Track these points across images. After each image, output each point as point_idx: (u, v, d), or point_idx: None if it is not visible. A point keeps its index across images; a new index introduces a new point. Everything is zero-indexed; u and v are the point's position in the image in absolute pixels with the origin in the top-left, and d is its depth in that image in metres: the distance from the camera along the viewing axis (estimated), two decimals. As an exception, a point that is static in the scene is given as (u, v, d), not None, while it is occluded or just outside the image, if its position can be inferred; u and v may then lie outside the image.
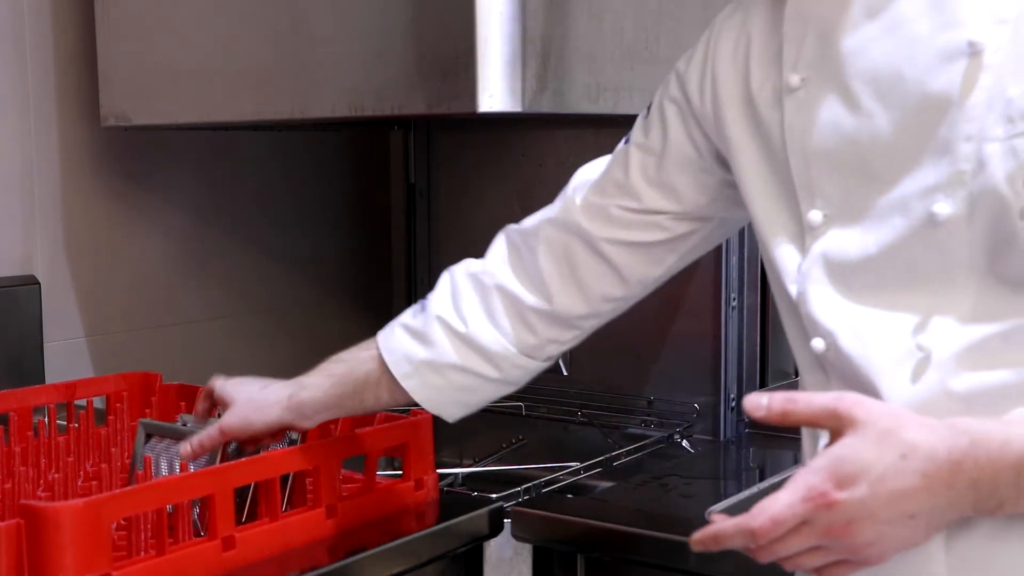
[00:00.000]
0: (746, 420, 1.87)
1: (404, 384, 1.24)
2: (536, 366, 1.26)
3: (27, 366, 1.79)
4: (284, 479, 1.30)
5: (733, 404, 1.91)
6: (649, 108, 1.19)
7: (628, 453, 1.74)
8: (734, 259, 1.89)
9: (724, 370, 1.90)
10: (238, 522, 1.24)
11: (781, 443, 1.80)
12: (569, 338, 1.25)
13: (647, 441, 1.78)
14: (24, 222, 1.81)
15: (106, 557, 1.10)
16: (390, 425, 1.42)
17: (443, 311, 1.24)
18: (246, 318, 2.07)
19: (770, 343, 1.92)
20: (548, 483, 1.59)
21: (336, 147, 2.22)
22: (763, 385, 1.91)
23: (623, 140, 1.20)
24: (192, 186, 1.99)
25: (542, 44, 1.45)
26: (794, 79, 1.00)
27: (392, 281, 2.30)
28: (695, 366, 1.84)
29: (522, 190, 2.13)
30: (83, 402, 1.58)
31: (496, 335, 1.23)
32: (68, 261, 1.86)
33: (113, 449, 1.49)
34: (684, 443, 1.84)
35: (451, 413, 1.27)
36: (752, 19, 1.08)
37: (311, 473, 1.32)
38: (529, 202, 2.11)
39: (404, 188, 2.26)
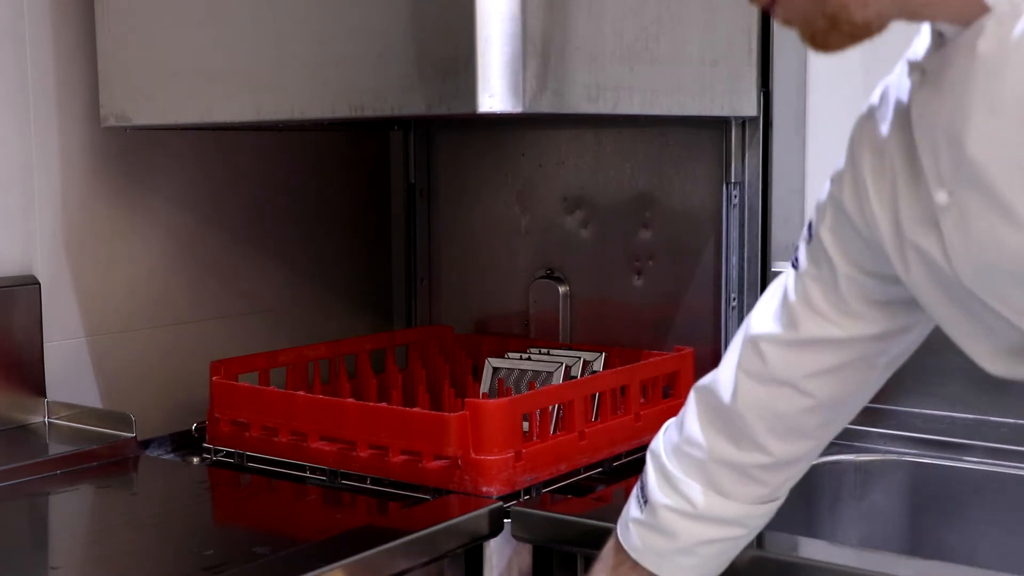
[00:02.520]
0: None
1: (662, 573, 1.24)
2: (778, 504, 1.25)
3: (27, 366, 1.79)
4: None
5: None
6: (810, 231, 1.14)
7: (628, 453, 1.73)
8: (734, 259, 1.90)
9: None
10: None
11: (781, 443, 1.80)
12: (800, 469, 1.24)
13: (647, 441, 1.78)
14: (24, 222, 1.80)
15: (518, 439, 1.56)
16: (667, 356, 1.83)
17: (667, 500, 1.23)
18: (246, 318, 2.07)
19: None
20: (548, 483, 1.59)
21: (336, 147, 2.22)
22: (763, 385, 1.91)
23: (790, 264, 1.16)
24: (192, 186, 1.99)
25: (542, 44, 1.45)
26: (941, 196, 0.94)
27: (392, 281, 2.30)
28: (695, 366, 1.84)
29: (522, 190, 2.13)
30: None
31: (728, 503, 1.21)
32: (68, 261, 1.85)
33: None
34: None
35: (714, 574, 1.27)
36: (884, 127, 1.03)
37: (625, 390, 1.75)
38: (529, 202, 2.13)
39: (404, 188, 2.26)
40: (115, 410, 1.77)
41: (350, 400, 1.69)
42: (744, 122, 1.87)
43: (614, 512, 1.47)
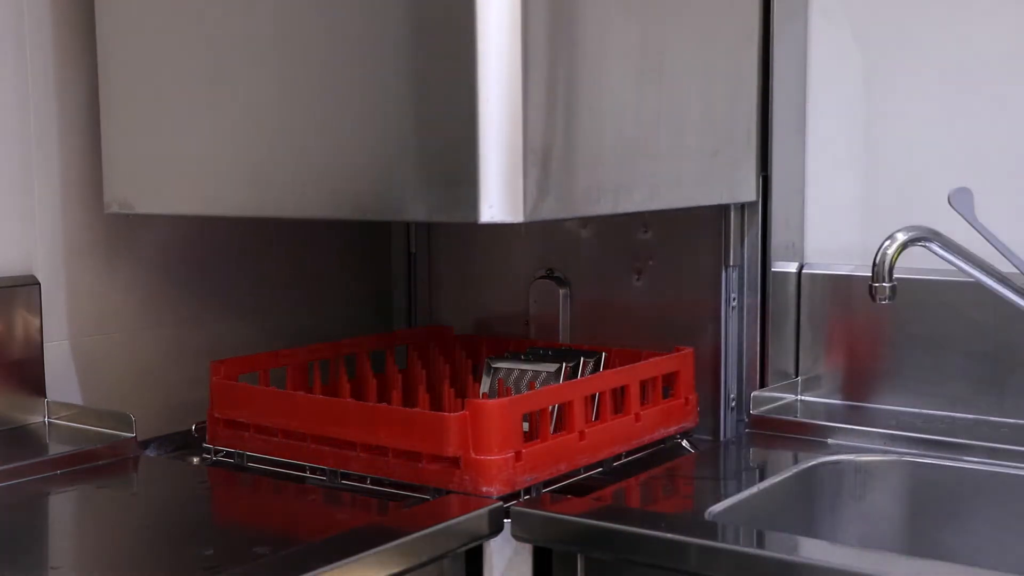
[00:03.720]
0: (746, 420, 1.87)
1: None
2: None
3: (27, 366, 1.79)
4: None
5: (733, 404, 1.91)
6: None
7: (628, 453, 1.74)
8: (734, 259, 1.90)
9: (724, 370, 1.90)
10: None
11: (781, 443, 1.80)
12: None
13: (647, 441, 1.78)
14: (24, 222, 1.80)
15: (518, 439, 1.56)
16: (667, 356, 1.81)
17: None
18: (246, 318, 2.07)
19: (770, 343, 1.92)
20: (548, 483, 1.59)
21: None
22: (763, 385, 1.91)
23: None
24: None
25: (543, 152, 1.47)
26: None
27: (392, 281, 2.30)
28: (695, 366, 1.84)
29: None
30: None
31: None
32: (68, 261, 1.85)
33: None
34: (684, 443, 1.84)
35: None
36: None
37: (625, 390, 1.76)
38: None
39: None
40: (115, 410, 1.77)
41: (350, 400, 1.69)
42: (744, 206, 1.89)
43: (614, 512, 1.47)
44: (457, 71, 1.43)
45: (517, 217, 1.43)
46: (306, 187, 1.58)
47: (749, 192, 1.86)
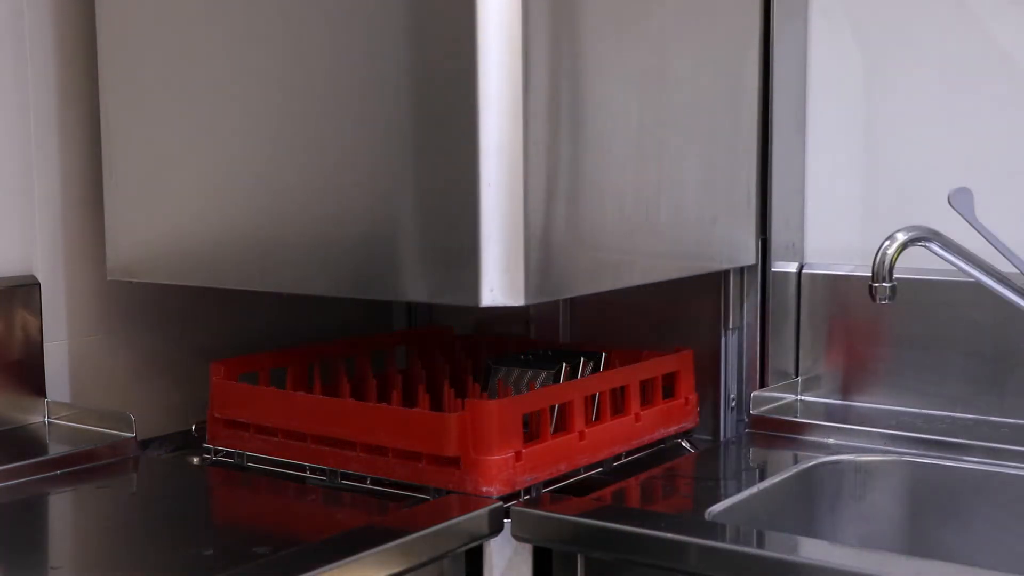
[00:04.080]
0: (746, 420, 1.87)
1: None
2: None
3: (27, 366, 1.79)
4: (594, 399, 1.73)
5: (733, 404, 1.91)
6: None
7: (628, 453, 1.74)
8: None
9: (724, 370, 1.90)
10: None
11: (781, 443, 1.81)
12: None
13: (647, 441, 1.78)
14: (24, 222, 1.80)
15: (518, 439, 1.55)
16: (667, 356, 1.82)
17: None
18: (246, 317, 2.07)
19: (770, 343, 1.92)
20: (548, 483, 1.59)
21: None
22: (763, 385, 1.92)
23: None
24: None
25: (544, 234, 1.47)
26: None
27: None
28: (695, 366, 1.84)
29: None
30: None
31: None
32: (68, 261, 1.85)
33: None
34: (684, 443, 1.84)
35: None
36: None
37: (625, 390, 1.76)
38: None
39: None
40: (115, 410, 1.77)
41: (350, 400, 1.69)
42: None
43: (614, 512, 1.47)
44: (459, 154, 1.44)
45: (518, 300, 1.44)
46: (306, 264, 1.58)
47: (748, 256, 1.88)
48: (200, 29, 1.66)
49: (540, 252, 1.46)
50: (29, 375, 1.79)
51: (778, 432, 1.83)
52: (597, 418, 1.71)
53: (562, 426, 1.65)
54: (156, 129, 1.71)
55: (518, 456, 1.54)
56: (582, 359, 1.84)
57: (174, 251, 1.72)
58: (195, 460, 1.79)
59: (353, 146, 1.53)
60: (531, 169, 1.44)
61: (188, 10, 1.66)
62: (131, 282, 1.89)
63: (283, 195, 1.60)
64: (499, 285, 1.43)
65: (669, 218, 1.69)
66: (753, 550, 1.33)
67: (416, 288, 1.49)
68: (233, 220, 1.65)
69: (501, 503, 1.49)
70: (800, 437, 1.81)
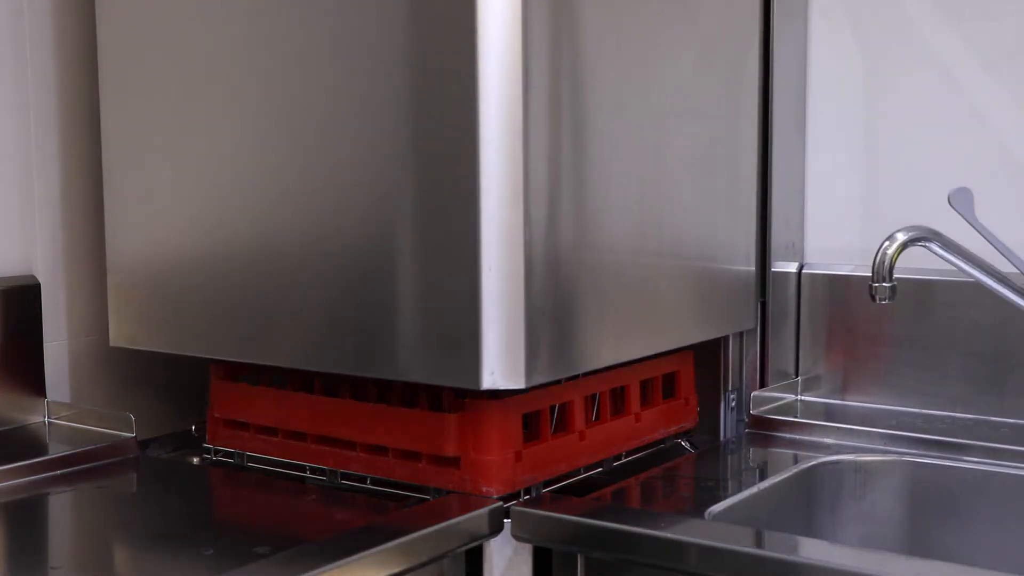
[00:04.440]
0: (746, 420, 1.87)
1: None
2: None
3: (27, 366, 1.79)
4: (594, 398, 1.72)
5: (733, 404, 1.91)
6: None
7: (628, 453, 1.74)
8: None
9: (724, 370, 1.90)
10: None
11: (781, 443, 1.80)
12: None
13: (647, 441, 1.78)
14: (24, 222, 1.81)
15: (518, 439, 1.55)
16: (667, 356, 1.78)
17: None
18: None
19: (770, 343, 1.92)
20: (548, 483, 1.59)
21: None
22: (763, 385, 1.91)
23: None
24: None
25: (545, 317, 1.48)
26: None
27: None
28: (695, 366, 1.84)
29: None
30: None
31: None
32: (68, 261, 1.86)
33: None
34: (684, 443, 1.84)
35: None
36: None
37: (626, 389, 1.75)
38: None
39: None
40: (115, 410, 1.77)
41: (350, 400, 1.69)
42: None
43: (614, 512, 1.47)
44: (460, 239, 1.44)
45: (519, 383, 1.45)
46: (306, 342, 1.59)
47: (748, 320, 1.88)
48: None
49: (541, 335, 1.47)
50: (29, 375, 1.79)
51: (778, 432, 1.83)
52: (597, 418, 1.71)
53: (562, 426, 1.65)
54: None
55: (518, 456, 1.54)
56: None
57: (175, 323, 1.72)
58: (195, 460, 1.79)
59: (353, 229, 1.54)
60: (533, 254, 1.45)
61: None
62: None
63: (280, 273, 1.60)
64: (500, 368, 1.44)
65: (668, 288, 1.69)
66: (753, 550, 1.33)
67: (416, 369, 1.50)
68: (232, 295, 1.65)
69: (501, 503, 1.49)
70: (800, 437, 1.81)
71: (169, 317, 1.72)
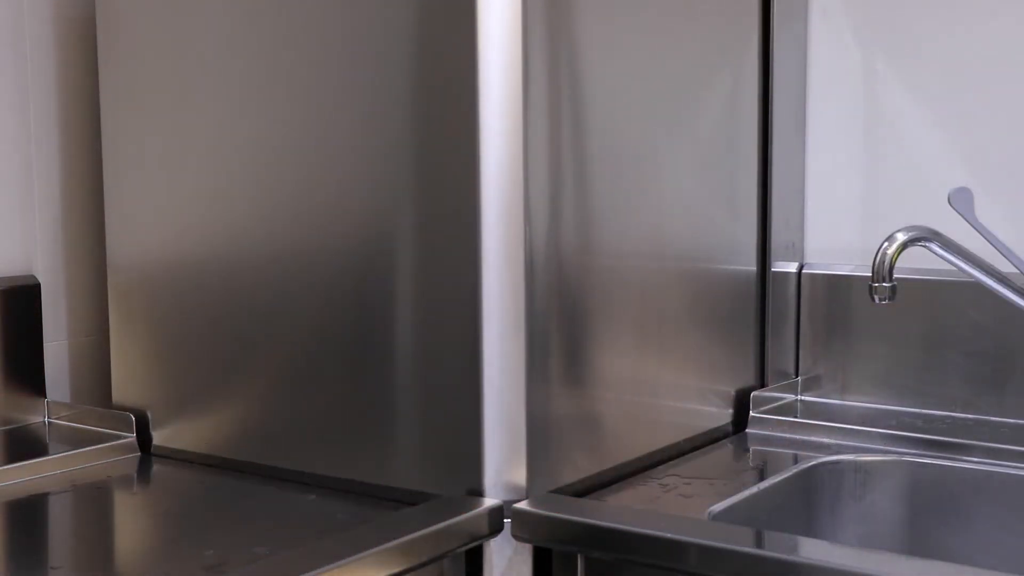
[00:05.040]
0: (746, 420, 1.87)
1: None
2: None
3: (27, 366, 1.79)
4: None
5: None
6: None
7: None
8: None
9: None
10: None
11: (781, 443, 1.80)
12: None
13: (647, 441, 1.78)
14: (24, 222, 1.81)
15: None
16: None
17: None
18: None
19: (770, 343, 1.92)
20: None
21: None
22: (763, 385, 1.91)
23: None
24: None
25: (546, 432, 1.49)
26: None
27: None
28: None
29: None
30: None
31: None
32: (68, 261, 1.86)
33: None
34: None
35: None
36: None
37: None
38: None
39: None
40: (115, 410, 1.77)
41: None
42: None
43: (614, 512, 1.47)
44: (462, 351, 1.45)
45: (520, 495, 1.47)
46: (307, 446, 1.61)
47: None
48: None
49: (542, 450, 1.49)
50: (29, 375, 1.79)
51: (778, 432, 1.83)
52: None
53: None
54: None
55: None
56: None
57: (186, 427, 1.73)
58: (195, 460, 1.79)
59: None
60: (534, 369, 1.46)
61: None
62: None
63: (292, 378, 1.61)
64: (500, 482, 1.47)
65: (668, 392, 1.71)
66: (753, 550, 1.33)
67: (416, 480, 1.52)
68: (237, 395, 1.67)
69: (501, 503, 1.48)
70: (800, 437, 1.81)
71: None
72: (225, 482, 1.72)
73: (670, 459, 1.74)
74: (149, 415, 1.74)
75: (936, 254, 1.60)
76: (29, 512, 1.55)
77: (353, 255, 1.54)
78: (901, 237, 1.57)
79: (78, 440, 1.73)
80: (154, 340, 1.73)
